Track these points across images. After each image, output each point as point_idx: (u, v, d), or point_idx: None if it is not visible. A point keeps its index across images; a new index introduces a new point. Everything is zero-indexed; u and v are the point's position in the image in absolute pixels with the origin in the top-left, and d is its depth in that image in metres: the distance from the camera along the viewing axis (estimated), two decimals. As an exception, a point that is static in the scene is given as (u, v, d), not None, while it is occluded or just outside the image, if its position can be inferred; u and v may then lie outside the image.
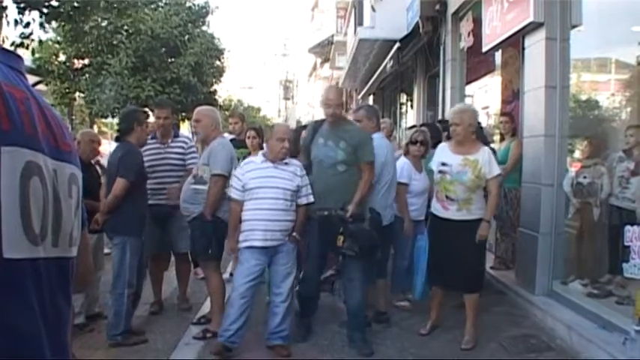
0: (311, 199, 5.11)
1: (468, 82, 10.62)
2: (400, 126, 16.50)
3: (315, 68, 44.70)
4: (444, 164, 5.23)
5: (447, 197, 5.20)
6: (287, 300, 5.04)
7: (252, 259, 4.88)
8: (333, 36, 26.54)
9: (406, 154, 6.31)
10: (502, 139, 8.13)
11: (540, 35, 6.41)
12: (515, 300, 6.56)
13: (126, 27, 18.73)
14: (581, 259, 6.49)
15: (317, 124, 5.58)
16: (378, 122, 5.90)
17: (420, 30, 11.29)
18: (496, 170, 5.18)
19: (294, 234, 5.03)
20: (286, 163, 5.04)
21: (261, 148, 6.74)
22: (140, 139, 5.45)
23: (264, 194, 4.89)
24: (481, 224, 5.11)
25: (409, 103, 15.92)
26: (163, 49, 19.75)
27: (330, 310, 6.15)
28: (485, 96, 11.04)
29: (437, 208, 5.36)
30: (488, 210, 5.21)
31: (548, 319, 5.80)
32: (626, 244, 4.73)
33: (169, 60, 20.40)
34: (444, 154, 5.35)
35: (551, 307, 5.93)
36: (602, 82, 8.71)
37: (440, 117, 10.14)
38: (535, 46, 6.54)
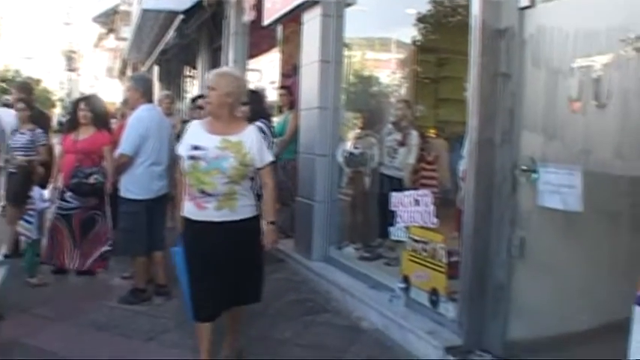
0: None
1: (252, 57, 10.63)
2: (184, 98, 16.24)
3: (100, 39, 42.51)
4: (196, 148, 3.81)
5: (202, 192, 3.79)
6: None
7: None
8: (118, 5, 25.29)
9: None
10: (281, 112, 8.25)
11: (316, 12, 6.52)
12: (294, 267, 6.70)
13: None
14: (354, 225, 6.77)
15: None
16: (146, 92, 5.58)
17: (204, 2, 11.07)
18: (267, 157, 3.98)
19: None
20: None
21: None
22: None
23: None
24: (267, 229, 4.01)
25: (194, 75, 15.66)
26: None
27: (107, 286, 5.92)
28: (273, 71, 11.12)
29: (189, 209, 3.89)
30: (267, 208, 4.04)
31: (324, 282, 5.99)
32: (391, 209, 4.98)
33: None
34: (196, 134, 3.92)
35: (327, 271, 6.13)
36: (384, 60, 9.16)
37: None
38: (311, 22, 6.65)
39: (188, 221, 3.91)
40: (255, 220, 3.98)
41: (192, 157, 3.80)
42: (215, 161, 3.75)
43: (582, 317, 3.99)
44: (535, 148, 3.86)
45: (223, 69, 4.45)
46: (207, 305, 3.87)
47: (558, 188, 3.60)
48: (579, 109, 3.67)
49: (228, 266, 3.85)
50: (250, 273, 4.01)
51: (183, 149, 3.89)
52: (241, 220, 3.86)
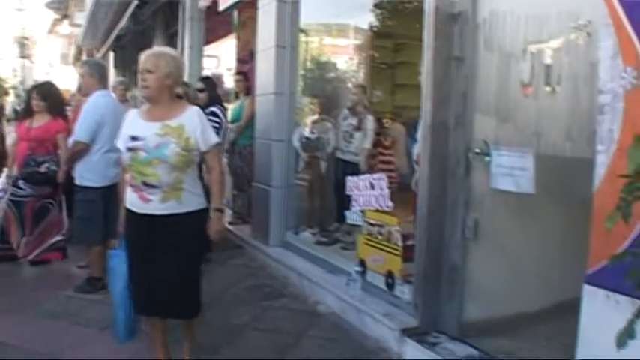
0: None
1: (208, 43, 10.50)
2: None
3: (54, 25, 41.57)
4: (134, 138, 3.46)
5: (145, 184, 3.44)
6: None
7: None
8: (72, -9, 24.79)
9: None
10: (237, 98, 8.18)
11: (271, -4, 6.45)
12: (252, 252, 6.67)
13: None
14: (311, 210, 6.76)
15: None
16: (101, 79, 5.47)
17: (160, -13, 10.92)
18: (213, 138, 3.59)
19: None
20: None
21: None
22: None
23: None
24: (213, 216, 3.60)
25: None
26: None
27: (65, 276, 5.80)
28: (230, 57, 11.02)
29: (133, 201, 3.54)
30: (215, 194, 3.65)
31: (282, 268, 5.96)
32: (347, 193, 4.98)
33: None
34: (133, 124, 3.58)
35: (284, 256, 6.10)
36: (342, 46, 9.14)
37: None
38: (267, 7, 6.56)
39: (131, 214, 3.56)
40: (204, 214, 3.60)
41: (130, 149, 3.45)
42: (156, 150, 3.39)
43: (535, 297, 4.06)
44: (488, 132, 3.88)
45: (158, 48, 3.89)
46: (145, 300, 3.58)
47: (511, 171, 3.62)
48: (531, 93, 3.70)
49: (168, 263, 3.46)
50: (186, 277, 3.57)
51: (120, 142, 3.56)
52: (188, 214, 3.51)
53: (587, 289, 2.70)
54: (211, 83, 6.83)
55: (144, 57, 3.54)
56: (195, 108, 3.65)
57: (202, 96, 6.40)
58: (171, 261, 3.47)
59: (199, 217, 3.58)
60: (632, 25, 2.57)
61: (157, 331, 3.75)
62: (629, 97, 2.56)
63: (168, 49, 3.76)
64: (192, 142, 3.46)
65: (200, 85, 6.65)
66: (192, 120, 3.51)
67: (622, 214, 1.62)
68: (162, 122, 3.47)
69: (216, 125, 6.05)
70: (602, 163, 2.65)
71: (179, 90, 5.90)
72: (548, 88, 3.59)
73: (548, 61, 3.61)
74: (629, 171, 1.69)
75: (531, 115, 3.67)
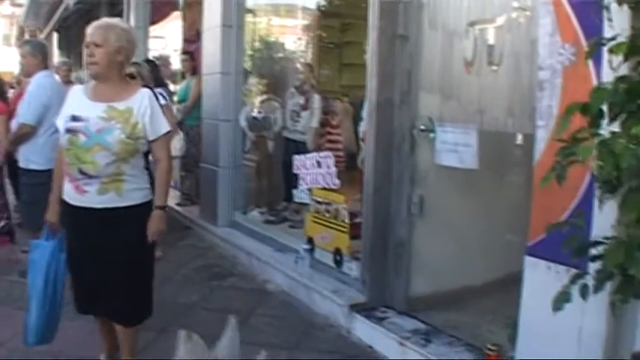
0: None
1: (154, 22, 10.29)
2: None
3: (-6, 5, 40.28)
4: (75, 119, 3.02)
5: (81, 173, 2.99)
6: None
7: None
8: (11, -31, 23.97)
9: None
10: (184, 78, 8.05)
11: (218, -25, 6.34)
12: (200, 233, 6.60)
13: None
14: (259, 190, 6.72)
15: None
16: (44, 59, 5.29)
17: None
18: (163, 126, 3.15)
19: None
20: None
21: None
22: None
23: None
24: (153, 214, 3.13)
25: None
26: None
27: (6, 260, 5.64)
28: (177, 38, 10.82)
29: (68, 192, 3.11)
30: (160, 189, 3.18)
31: (231, 248, 5.92)
32: (295, 172, 4.96)
33: None
34: (76, 102, 3.12)
35: (233, 236, 6.05)
36: (289, 26, 9.06)
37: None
38: (212, -14, 6.46)
39: (67, 206, 3.15)
40: (147, 207, 3.16)
41: (69, 130, 3.01)
42: (97, 135, 2.97)
43: (481, 271, 4.13)
44: (432, 109, 3.91)
45: (108, 20, 3.27)
46: (86, 301, 3.24)
47: (455, 147, 3.66)
48: (474, 71, 3.74)
49: (111, 263, 3.08)
50: (131, 279, 3.17)
51: (60, 120, 3.10)
52: (130, 207, 3.09)
53: (529, 261, 2.75)
54: (153, 65, 6.68)
55: (91, 29, 3.07)
56: (147, 90, 3.20)
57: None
58: (114, 261, 3.08)
59: (143, 210, 3.14)
60: (569, 3, 2.59)
61: (103, 325, 3.44)
62: (567, 73, 2.59)
63: (118, 21, 3.29)
64: (139, 128, 3.03)
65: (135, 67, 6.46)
66: (142, 104, 3.07)
67: (556, 177, 1.64)
68: (109, 104, 3.04)
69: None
70: (542, 137, 2.69)
71: (132, 69, 5.80)
72: (490, 66, 3.62)
73: (490, 39, 3.65)
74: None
75: (474, 92, 3.71)
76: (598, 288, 1.70)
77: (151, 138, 3.09)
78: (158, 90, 6.10)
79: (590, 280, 1.75)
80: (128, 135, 2.99)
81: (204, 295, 4.79)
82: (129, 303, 3.20)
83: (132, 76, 5.58)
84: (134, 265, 3.17)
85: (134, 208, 3.10)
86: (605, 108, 1.60)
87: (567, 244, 1.81)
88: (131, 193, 3.08)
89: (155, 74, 6.43)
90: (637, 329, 2.32)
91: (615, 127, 1.61)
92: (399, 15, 4.01)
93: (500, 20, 3.58)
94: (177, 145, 5.72)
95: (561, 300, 1.74)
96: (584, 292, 1.74)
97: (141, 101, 3.07)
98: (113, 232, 3.07)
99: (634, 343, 2.33)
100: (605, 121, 1.61)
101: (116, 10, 11.85)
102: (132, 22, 9.91)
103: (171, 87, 8.51)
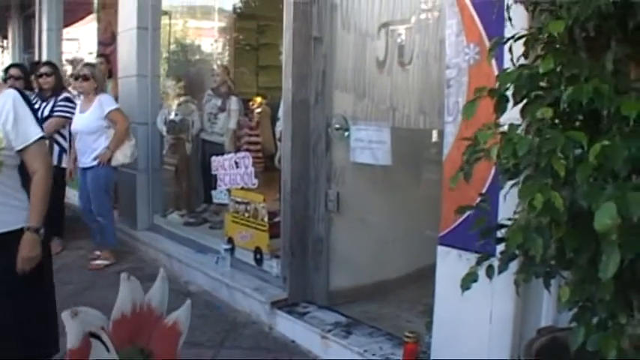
0: None
1: (68, 25, 9.99)
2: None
3: None
4: None
5: None
6: None
7: None
8: None
9: None
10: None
11: (133, -24, 6.23)
12: (121, 237, 6.41)
13: None
14: (178, 192, 6.63)
15: None
16: None
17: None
18: (32, 132, 2.57)
19: None
20: None
21: None
22: None
23: None
24: (24, 237, 2.52)
25: (5, 45, 14.49)
26: None
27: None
28: (91, 40, 10.54)
29: None
30: (33, 206, 2.57)
31: (151, 251, 5.83)
32: (213, 172, 4.93)
33: None
34: None
35: (153, 239, 5.96)
36: (206, 29, 8.97)
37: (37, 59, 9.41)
38: (127, -13, 6.35)
39: None
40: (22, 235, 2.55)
41: None
42: None
43: (398, 264, 4.23)
44: (347, 108, 3.97)
45: None
46: None
47: (369, 144, 3.73)
48: (386, 70, 3.82)
49: None
50: (16, 319, 2.54)
51: None
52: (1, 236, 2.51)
53: (441, 250, 2.84)
54: (56, 69, 6.43)
55: None
56: (10, 91, 2.63)
57: (49, 80, 6.02)
58: None
59: (15, 239, 2.53)
60: (473, 5, 2.70)
61: None
62: (472, 71, 2.69)
63: None
64: (3, 137, 2.49)
65: (46, 69, 6.21)
66: (2, 108, 2.52)
67: (464, 175, 1.71)
68: None
69: (72, 112, 5.74)
70: (450, 132, 2.78)
71: (85, 71, 5.60)
72: (401, 66, 3.71)
73: (401, 39, 3.74)
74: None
75: (387, 91, 3.79)
76: (502, 269, 1.79)
77: (18, 147, 2.53)
78: (65, 94, 5.97)
79: (495, 262, 1.83)
80: None
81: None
82: (21, 348, 2.56)
83: (85, 78, 5.45)
84: (17, 302, 2.54)
85: (6, 236, 2.51)
86: (509, 94, 1.68)
87: (474, 227, 1.89)
88: (1, 218, 2.52)
89: (58, 76, 6.21)
90: (542, 310, 2.44)
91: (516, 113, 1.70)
92: (313, 17, 4.05)
93: (410, 22, 3.67)
94: (127, 151, 5.51)
95: (468, 280, 1.81)
96: (489, 273, 1.82)
97: (2, 106, 2.52)
98: None
99: (539, 323, 2.46)
100: (510, 105, 1.70)
101: (27, 12, 11.48)
102: (44, 24, 9.62)
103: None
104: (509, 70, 1.74)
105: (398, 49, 3.76)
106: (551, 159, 1.42)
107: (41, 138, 2.62)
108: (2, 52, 14.58)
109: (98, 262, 5.52)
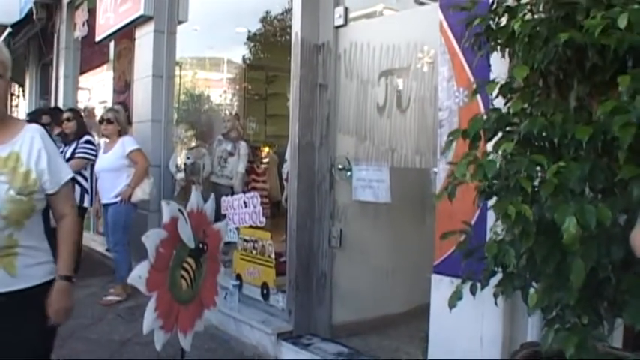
0: None
1: (83, 72, 10.33)
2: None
3: None
4: None
5: None
6: None
7: None
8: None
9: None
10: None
11: (149, 28, 6.58)
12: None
13: None
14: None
15: None
16: None
17: (34, 16, 10.59)
18: (65, 172, 2.33)
19: None
20: None
21: None
22: None
23: None
24: (56, 286, 2.25)
25: (21, 92, 14.85)
26: None
27: None
28: (103, 89, 10.84)
29: None
30: (64, 253, 2.29)
31: (161, 288, 5.96)
32: (222, 213, 5.13)
33: None
34: None
35: (163, 277, 6.10)
36: (216, 80, 9.27)
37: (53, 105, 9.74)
38: (145, 38, 6.68)
39: None
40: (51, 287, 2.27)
41: None
42: None
43: (400, 299, 4.41)
44: (349, 149, 4.22)
45: None
46: None
47: (370, 183, 3.96)
48: (385, 114, 4.07)
49: None
50: None
51: None
52: (27, 290, 2.19)
53: (435, 278, 3.04)
54: (78, 114, 6.72)
55: None
56: (36, 127, 2.32)
57: (71, 125, 6.31)
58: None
59: (44, 293, 2.25)
60: (463, 53, 2.95)
61: None
62: (462, 112, 2.94)
63: None
64: (32, 179, 2.18)
65: (68, 114, 6.51)
66: (31, 146, 2.22)
67: (448, 195, 1.92)
68: None
69: (94, 154, 6.04)
70: (443, 169, 3.01)
71: (109, 115, 5.90)
72: (400, 110, 3.96)
73: (399, 86, 4.00)
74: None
75: (386, 133, 4.03)
76: (484, 284, 1.99)
77: (51, 190, 2.26)
78: (87, 137, 6.24)
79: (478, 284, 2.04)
80: (19, 190, 2.14)
81: (137, 332, 4.83)
82: None
83: (109, 122, 5.75)
84: None
85: (34, 290, 2.22)
86: (481, 133, 1.92)
87: (456, 249, 2.10)
88: (28, 270, 2.21)
89: (80, 121, 6.48)
90: (527, 330, 2.62)
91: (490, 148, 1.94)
92: (318, 65, 4.34)
93: (408, 70, 3.92)
94: (146, 189, 5.76)
95: (454, 298, 2.01)
96: (473, 290, 2.02)
97: (28, 142, 2.22)
98: (6, 327, 2.16)
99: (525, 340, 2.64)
100: (481, 143, 1.93)
101: (44, 60, 11.84)
102: (61, 70, 9.93)
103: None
104: (478, 117, 1.98)
105: (396, 95, 4.00)
106: (519, 179, 1.65)
107: (72, 180, 2.42)
108: (19, 98, 14.94)
109: (110, 297, 5.68)
